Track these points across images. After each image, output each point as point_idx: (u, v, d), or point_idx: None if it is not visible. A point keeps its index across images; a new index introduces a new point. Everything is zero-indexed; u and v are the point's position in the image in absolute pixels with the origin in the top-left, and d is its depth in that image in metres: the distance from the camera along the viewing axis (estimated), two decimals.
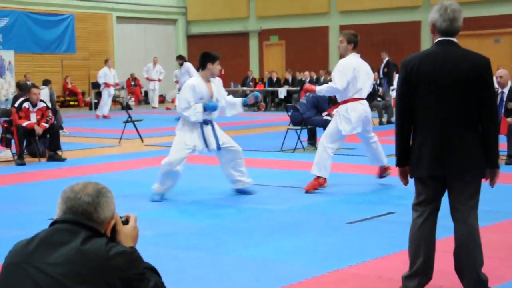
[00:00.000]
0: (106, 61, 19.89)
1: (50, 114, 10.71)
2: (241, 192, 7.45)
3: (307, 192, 7.38)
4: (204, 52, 7.34)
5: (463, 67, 3.72)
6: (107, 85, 19.29)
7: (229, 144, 7.33)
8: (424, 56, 3.84)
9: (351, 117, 7.26)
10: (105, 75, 19.38)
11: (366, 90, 7.47)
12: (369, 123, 7.66)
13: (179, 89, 17.77)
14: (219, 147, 7.27)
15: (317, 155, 7.41)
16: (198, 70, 7.27)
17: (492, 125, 3.78)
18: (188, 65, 17.48)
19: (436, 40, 3.86)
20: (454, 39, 3.85)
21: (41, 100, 10.66)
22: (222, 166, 7.46)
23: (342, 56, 7.37)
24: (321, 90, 7.51)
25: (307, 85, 7.96)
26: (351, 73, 7.21)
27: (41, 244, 2.12)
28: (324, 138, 7.45)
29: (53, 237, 2.12)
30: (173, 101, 23.88)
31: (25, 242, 2.17)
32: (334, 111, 7.71)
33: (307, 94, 11.69)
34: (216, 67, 7.16)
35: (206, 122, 7.20)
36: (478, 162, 3.80)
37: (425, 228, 3.92)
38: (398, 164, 3.96)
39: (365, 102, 7.47)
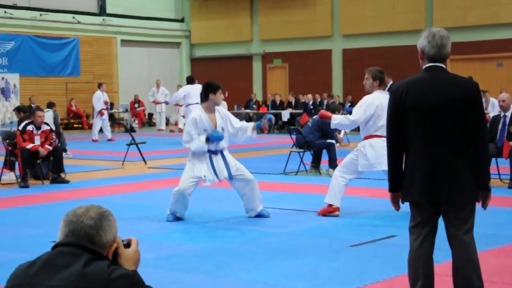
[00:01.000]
0: (99, 85, 19.90)
1: (54, 136, 10.76)
2: (257, 216, 7.47)
3: (318, 214, 7.40)
4: (205, 83, 7.40)
5: (452, 92, 3.77)
6: (102, 110, 19.24)
7: (241, 173, 7.32)
8: (412, 82, 3.88)
9: (367, 154, 7.24)
10: (99, 99, 19.39)
11: None
12: None
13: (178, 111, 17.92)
14: (231, 176, 7.28)
15: (330, 184, 7.43)
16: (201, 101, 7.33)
17: (482, 148, 3.81)
18: (185, 87, 17.61)
19: (425, 66, 3.89)
20: (443, 65, 3.89)
21: (45, 123, 10.72)
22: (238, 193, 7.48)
23: (368, 93, 7.36)
24: (337, 119, 7.44)
25: (324, 112, 7.87)
26: (373, 110, 7.19)
27: (43, 267, 2.13)
28: (339, 167, 7.48)
29: (55, 260, 2.13)
30: (176, 123, 23.99)
31: (27, 265, 2.18)
32: (358, 145, 7.61)
33: (314, 117, 11.72)
34: (218, 96, 7.19)
35: (215, 152, 7.24)
36: (469, 186, 3.82)
37: (423, 250, 3.92)
38: (390, 190, 3.98)
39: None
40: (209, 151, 7.19)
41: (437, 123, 3.79)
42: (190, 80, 18.01)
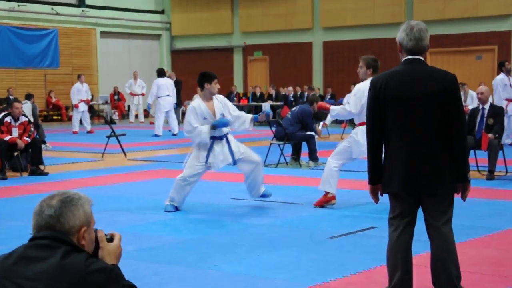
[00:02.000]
0: (78, 77, 19.73)
1: (32, 128, 10.66)
2: (261, 196, 7.65)
3: (315, 206, 7.42)
4: (201, 73, 7.50)
5: (430, 84, 3.80)
6: (81, 101, 19.10)
7: (247, 155, 7.47)
8: (391, 74, 3.91)
9: (360, 140, 7.26)
10: (78, 91, 19.21)
11: None
12: None
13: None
14: (234, 162, 7.44)
15: (324, 172, 7.47)
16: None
17: (461, 140, 3.84)
18: (155, 81, 17.72)
19: (404, 59, 3.94)
20: (421, 58, 3.92)
21: (23, 115, 10.62)
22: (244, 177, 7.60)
23: (361, 80, 7.41)
24: (335, 110, 7.46)
25: (322, 103, 7.92)
26: (366, 98, 7.23)
27: (20, 259, 2.11)
28: (332, 155, 7.52)
29: (32, 252, 2.12)
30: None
31: (3, 257, 2.16)
32: (351, 132, 7.65)
33: (293, 109, 11.74)
34: (213, 86, 7.35)
35: (220, 138, 7.37)
36: (449, 177, 3.85)
37: (401, 241, 3.97)
38: (370, 182, 4.01)
39: None
40: (214, 137, 7.31)
41: (416, 115, 3.82)
42: (160, 73, 18.06)
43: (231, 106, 7.56)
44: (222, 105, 7.43)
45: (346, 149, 7.40)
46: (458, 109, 3.83)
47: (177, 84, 19.61)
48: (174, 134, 17.58)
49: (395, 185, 3.89)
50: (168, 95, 17.67)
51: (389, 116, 3.86)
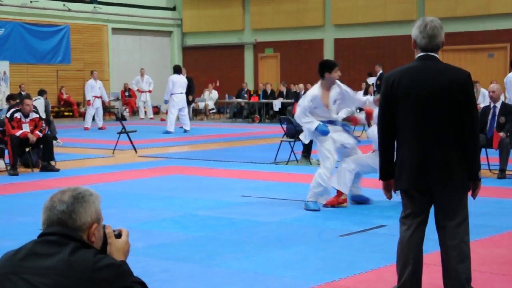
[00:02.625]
0: (91, 73, 19.80)
1: (44, 124, 10.71)
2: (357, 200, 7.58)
3: (326, 206, 7.34)
4: (321, 62, 7.57)
5: (442, 81, 3.79)
6: (95, 97, 19.16)
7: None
8: (404, 71, 3.92)
9: None
10: (92, 87, 19.27)
11: None
12: None
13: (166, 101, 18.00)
14: (358, 140, 7.59)
15: (338, 170, 7.40)
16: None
17: (473, 138, 3.82)
18: (170, 78, 17.78)
19: (417, 56, 3.94)
20: (435, 54, 3.91)
21: (34, 111, 10.67)
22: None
23: None
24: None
25: (367, 109, 7.87)
26: None
27: (28, 255, 2.12)
28: (353, 158, 7.48)
29: (41, 249, 2.12)
30: (166, 112, 23.92)
31: (13, 253, 2.17)
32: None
33: None
34: (334, 74, 7.38)
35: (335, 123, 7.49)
36: (459, 175, 3.83)
37: (413, 241, 3.95)
38: (381, 178, 4.00)
39: None
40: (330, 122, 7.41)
41: (428, 112, 3.81)
42: (177, 70, 18.06)
43: (349, 92, 7.67)
44: (341, 91, 7.47)
45: (367, 160, 7.36)
46: (470, 107, 3.80)
47: (188, 81, 19.67)
48: (186, 131, 17.60)
49: (405, 182, 3.88)
50: (181, 92, 17.71)
51: (401, 112, 3.85)
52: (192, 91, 19.95)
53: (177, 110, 17.59)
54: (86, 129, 18.85)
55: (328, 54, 24.99)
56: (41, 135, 10.40)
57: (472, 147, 3.83)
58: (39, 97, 14.46)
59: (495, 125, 9.48)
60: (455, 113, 3.79)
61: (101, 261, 2.10)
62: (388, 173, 3.95)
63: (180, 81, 17.73)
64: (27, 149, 10.40)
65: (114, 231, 2.33)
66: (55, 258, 2.08)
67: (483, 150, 9.38)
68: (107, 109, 24.06)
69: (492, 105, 9.60)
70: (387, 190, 4.02)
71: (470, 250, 3.97)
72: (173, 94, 17.56)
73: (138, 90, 23.76)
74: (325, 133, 7.28)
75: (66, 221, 2.16)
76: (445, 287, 3.99)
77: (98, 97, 19.17)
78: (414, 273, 3.95)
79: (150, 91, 23.60)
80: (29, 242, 2.19)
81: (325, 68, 7.31)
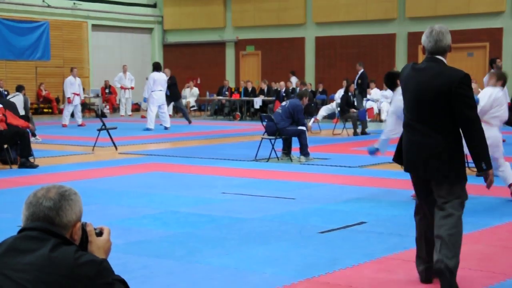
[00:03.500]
0: (71, 70, 19.62)
1: (4, 113, 10.44)
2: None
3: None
4: (388, 74, 7.88)
5: (436, 80, 4.22)
6: (74, 95, 19.01)
7: None
8: (411, 67, 4.46)
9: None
10: (71, 84, 19.09)
11: None
12: None
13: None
14: None
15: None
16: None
17: (469, 133, 4.18)
18: (151, 75, 17.84)
19: (425, 57, 4.48)
20: (440, 57, 4.35)
21: None
22: None
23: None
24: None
25: None
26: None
27: (8, 251, 2.10)
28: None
29: (21, 244, 2.11)
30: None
31: None
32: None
33: (283, 104, 11.74)
34: None
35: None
36: (444, 165, 4.21)
37: (422, 226, 4.51)
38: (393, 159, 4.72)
39: None
40: None
41: (419, 107, 4.27)
42: (157, 67, 18.05)
43: None
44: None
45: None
46: (465, 104, 4.15)
47: (172, 79, 19.68)
48: (166, 128, 17.55)
49: (404, 164, 4.50)
50: (161, 90, 17.68)
51: (405, 104, 4.46)
52: (175, 90, 20.04)
53: (157, 107, 17.55)
54: (64, 126, 18.70)
55: (309, 52, 25.05)
56: (5, 125, 10.19)
57: (469, 142, 4.18)
58: (17, 93, 14.32)
59: None
60: (447, 110, 4.16)
61: (82, 257, 2.09)
62: (395, 157, 4.67)
63: (160, 79, 17.71)
64: (5, 146, 10.29)
65: (95, 229, 2.31)
66: (36, 254, 2.07)
67: None
68: (87, 106, 23.91)
69: None
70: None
71: (459, 241, 4.23)
72: (152, 91, 17.54)
73: (121, 87, 23.65)
74: (371, 152, 8.01)
75: (53, 218, 2.16)
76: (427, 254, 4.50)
77: (77, 94, 19.02)
78: (429, 251, 4.45)
79: (132, 88, 23.55)
80: (9, 237, 2.16)
81: (397, 77, 7.52)
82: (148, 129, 17.24)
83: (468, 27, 21.95)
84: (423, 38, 4.39)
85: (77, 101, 19.01)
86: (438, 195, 4.27)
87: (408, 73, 4.40)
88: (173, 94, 19.78)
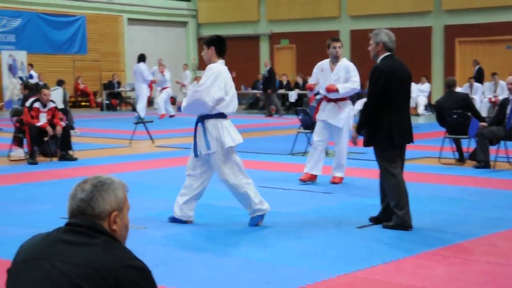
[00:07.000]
0: (159, 65, 20.49)
1: (61, 115, 10.78)
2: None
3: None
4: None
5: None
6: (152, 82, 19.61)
7: None
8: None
9: None
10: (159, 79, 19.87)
11: None
12: None
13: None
14: None
15: None
16: None
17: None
18: (137, 66, 18.39)
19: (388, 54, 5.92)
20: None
21: (51, 100, 10.73)
22: None
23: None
24: (344, 88, 7.93)
25: (329, 85, 8.08)
26: None
27: (59, 242, 2.12)
28: None
29: (71, 237, 2.13)
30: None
31: (40, 239, 2.17)
32: None
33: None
34: None
35: None
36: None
37: (403, 179, 5.88)
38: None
39: None
40: None
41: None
42: (141, 58, 18.59)
43: None
44: None
45: None
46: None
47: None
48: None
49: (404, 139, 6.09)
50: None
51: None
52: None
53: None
54: (162, 116, 19.10)
55: (344, 45, 24.83)
56: (63, 125, 10.52)
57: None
58: (57, 87, 14.53)
59: None
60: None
61: (134, 261, 2.11)
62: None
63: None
64: (45, 139, 10.47)
65: None
66: (86, 248, 2.09)
67: (502, 142, 9.33)
68: (123, 100, 24.12)
69: (510, 97, 9.52)
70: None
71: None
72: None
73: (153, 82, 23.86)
74: None
75: (85, 209, 2.17)
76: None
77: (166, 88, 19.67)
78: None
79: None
80: (58, 229, 2.18)
81: None
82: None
83: (507, 19, 21.54)
84: (384, 38, 5.96)
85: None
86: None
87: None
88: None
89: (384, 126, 5.74)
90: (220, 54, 6.23)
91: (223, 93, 5.96)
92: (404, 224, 5.75)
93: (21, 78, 20.82)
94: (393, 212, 5.82)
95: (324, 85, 8.29)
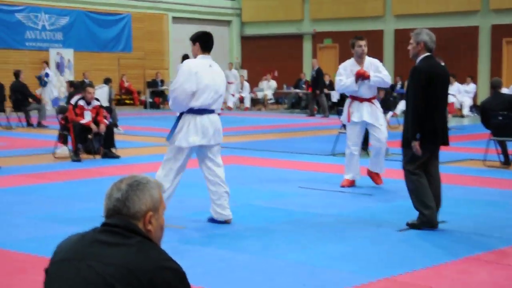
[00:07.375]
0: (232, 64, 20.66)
1: (105, 113, 10.95)
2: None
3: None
4: None
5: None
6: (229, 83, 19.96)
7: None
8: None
9: None
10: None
11: None
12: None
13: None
14: None
15: None
16: None
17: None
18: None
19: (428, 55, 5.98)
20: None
21: (96, 99, 10.90)
22: None
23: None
24: (377, 76, 7.99)
25: (359, 70, 8.02)
26: None
27: (94, 242, 2.14)
28: None
29: (106, 237, 2.14)
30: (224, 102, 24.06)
31: (76, 239, 2.19)
32: None
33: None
34: None
35: None
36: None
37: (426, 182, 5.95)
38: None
39: None
40: None
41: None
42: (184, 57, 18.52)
43: None
44: None
45: None
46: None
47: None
48: None
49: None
50: None
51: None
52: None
53: None
54: (230, 108, 19.79)
55: (388, 45, 24.63)
56: (107, 123, 10.69)
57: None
58: (104, 85, 14.76)
59: None
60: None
61: (169, 262, 2.11)
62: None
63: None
64: (89, 136, 10.64)
65: None
66: (121, 249, 2.09)
67: None
68: (167, 98, 24.31)
69: None
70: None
71: None
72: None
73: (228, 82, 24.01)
74: None
75: (120, 208, 2.17)
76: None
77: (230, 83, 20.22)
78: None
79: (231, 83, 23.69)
80: (93, 229, 2.20)
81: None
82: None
83: None
84: (425, 38, 5.95)
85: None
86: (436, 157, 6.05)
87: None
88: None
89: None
90: (205, 49, 6.39)
91: (194, 86, 6.06)
92: (430, 222, 5.78)
93: (39, 78, 21.12)
94: (418, 211, 5.87)
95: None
